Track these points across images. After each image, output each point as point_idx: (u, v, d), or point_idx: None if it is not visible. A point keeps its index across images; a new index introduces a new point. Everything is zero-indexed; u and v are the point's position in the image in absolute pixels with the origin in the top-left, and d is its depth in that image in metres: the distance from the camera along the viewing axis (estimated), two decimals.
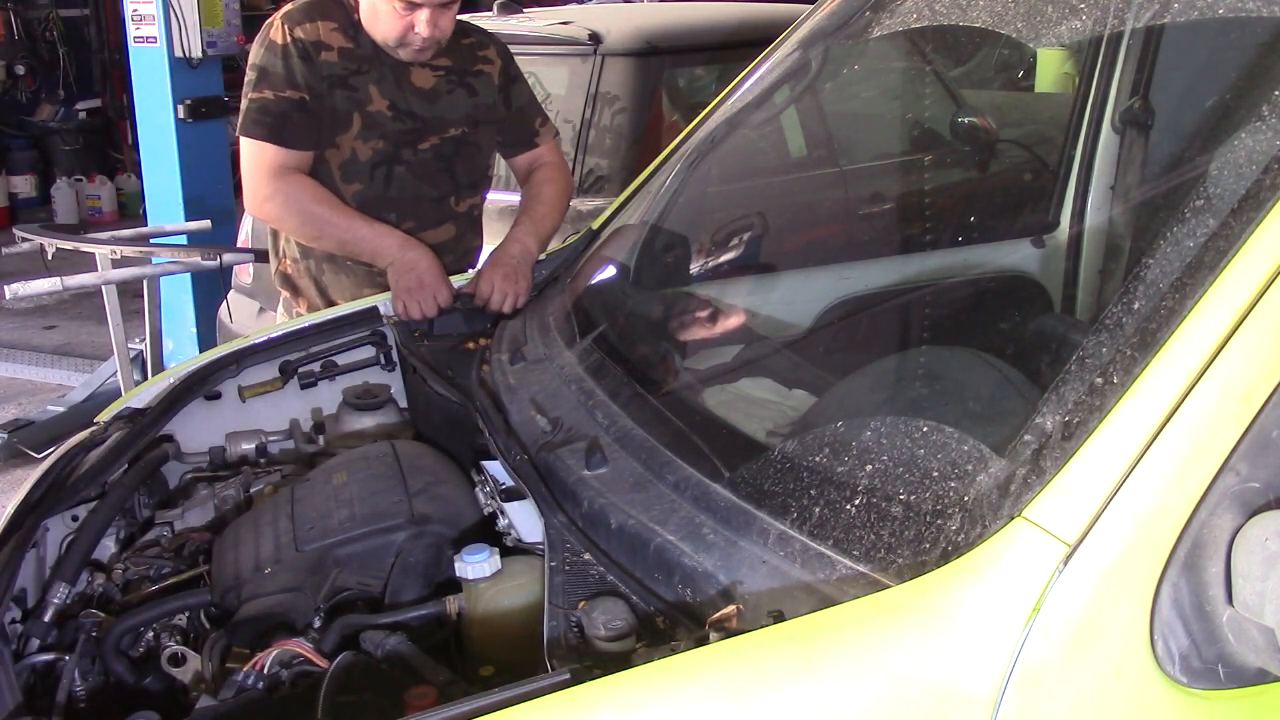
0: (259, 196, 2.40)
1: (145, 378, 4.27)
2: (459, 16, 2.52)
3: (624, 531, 1.41)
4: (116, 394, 3.82)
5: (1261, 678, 1.09)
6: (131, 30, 5.08)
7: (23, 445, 4.56)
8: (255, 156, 2.38)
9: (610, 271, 2.24)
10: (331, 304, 2.53)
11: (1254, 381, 1.07)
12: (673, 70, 3.97)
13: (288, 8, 2.44)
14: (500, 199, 3.72)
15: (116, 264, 4.13)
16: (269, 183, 2.37)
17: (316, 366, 2.28)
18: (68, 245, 4.21)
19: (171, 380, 2.15)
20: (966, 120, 3.10)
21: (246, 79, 2.42)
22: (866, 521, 1.23)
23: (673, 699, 1.08)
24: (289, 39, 2.36)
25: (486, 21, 4.40)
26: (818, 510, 1.28)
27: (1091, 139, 2.54)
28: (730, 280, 2.36)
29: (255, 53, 2.42)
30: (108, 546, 1.86)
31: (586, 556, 1.43)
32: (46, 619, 1.60)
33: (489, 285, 2.32)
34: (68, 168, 9.03)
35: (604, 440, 1.59)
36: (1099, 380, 1.13)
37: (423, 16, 2.35)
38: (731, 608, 1.23)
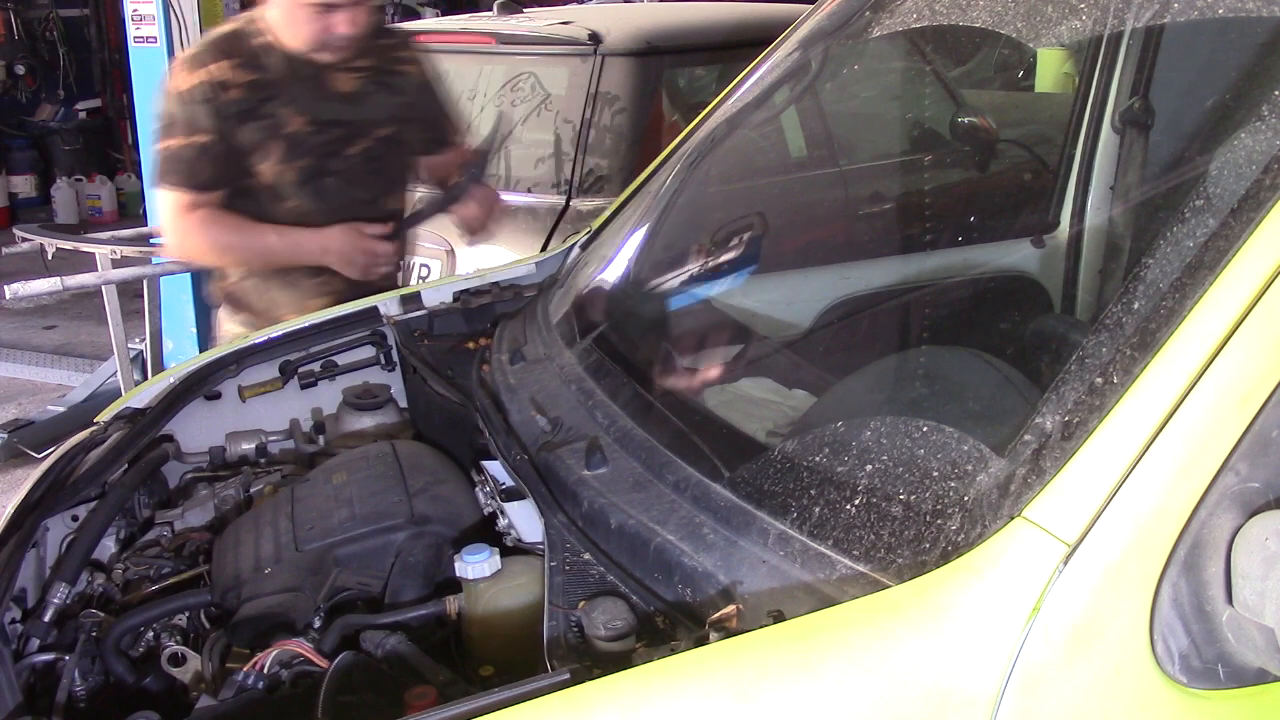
0: (177, 239, 2.48)
1: (145, 378, 4.27)
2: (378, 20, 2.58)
3: (624, 531, 1.41)
4: (116, 394, 3.82)
5: (1261, 678, 1.09)
6: (131, 30, 5.08)
7: (23, 445, 4.56)
8: (169, 203, 2.44)
9: (610, 271, 2.24)
10: (274, 320, 2.54)
11: (1254, 381, 1.07)
12: (673, 70, 3.97)
13: (186, 53, 2.48)
14: (502, 199, 3.73)
15: (116, 264, 4.13)
16: (183, 224, 2.44)
17: (316, 366, 2.28)
18: (68, 245, 4.21)
19: (171, 380, 2.15)
20: (966, 120, 3.10)
21: (155, 128, 2.46)
22: (866, 521, 1.23)
23: (673, 699, 1.08)
24: (189, 84, 2.39)
25: (486, 21, 4.42)
26: (818, 510, 1.28)
27: (1091, 139, 2.54)
28: (731, 280, 2.36)
29: (161, 100, 2.45)
30: (108, 546, 1.85)
31: (586, 556, 1.43)
32: (46, 619, 1.60)
33: (470, 204, 2.50)
34: (68, 168, 9.03)
35: (604, 440, 1.59)
36: (1099, 380, 1.13)
37: (343, 17, 2.36)
38: (731, 607, 1.23)
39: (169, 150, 2.40)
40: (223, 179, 2.42)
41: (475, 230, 2.68)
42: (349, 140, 2.51)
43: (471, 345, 2.20)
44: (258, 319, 2.59)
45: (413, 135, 2.65)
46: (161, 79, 2.47)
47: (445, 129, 2.73)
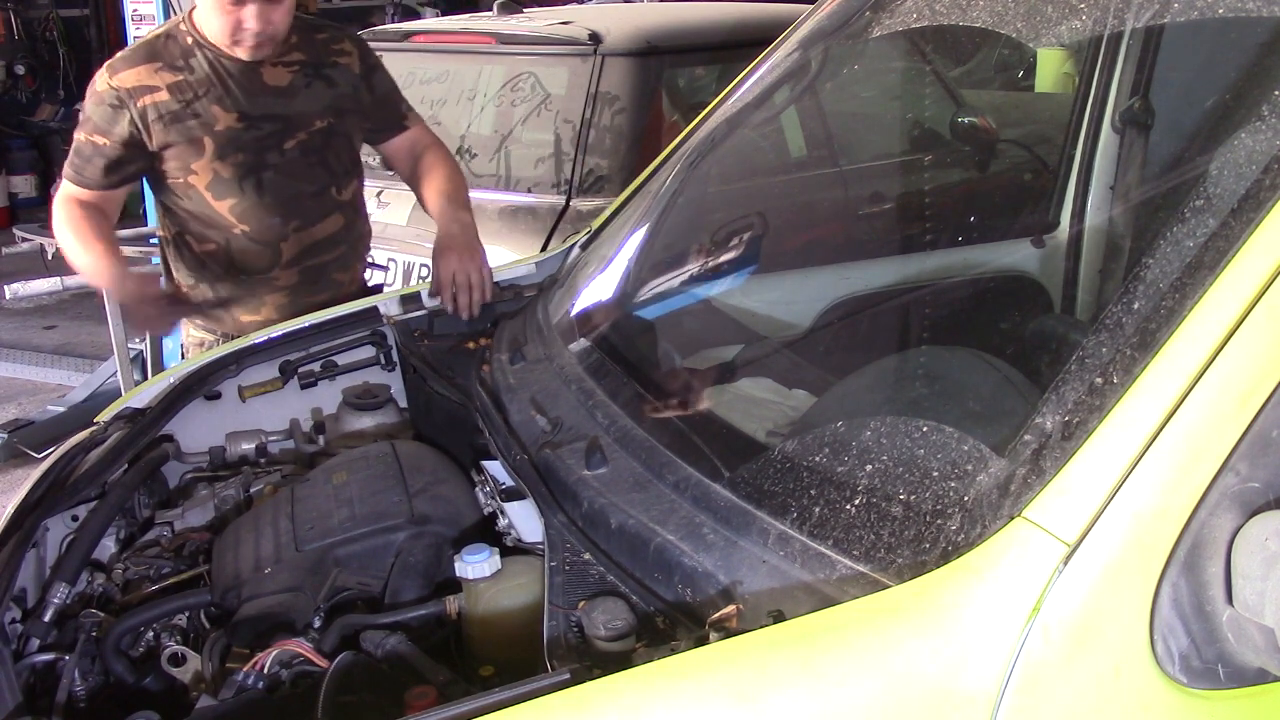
0: (54, 221, 2.53)
1: (145, 378, 4.27)
2: (315, 18, 2.61)
3: (624, 531, 1.41)
4: (116, 394, 3.82)
5: (1261, 678, 1.09)
6: (131, 30, 5.08)
7: (23, 445, 4.56)
8: (60, 190, 2.53)
9: (610, 272, 2.24)
10: (238, 323, 2.57)
11: (1254, 381, 1.07)
12: (673, 70, 3.97)
13: (114, 57, 2.52)
14: (502, 199, 3.73)
15: None
16: (57, 212, 2.50)
17: (316, 366, 2.28)
18: None
19: (171, 380, 2.15)
20: (966, 120, 3.10)
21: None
22: (866, 521, 1.23)
23: (673, 699, 1.08)
24: (105, 86, 2.44)
25: (486, 21, 4.41)
26: (818, 510, 1.28)
27: (1091, 139, 2.54)
28: (731, 280, 2.36)
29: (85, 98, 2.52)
30: (108, 546, 1.85)
31: (586, 556, 1.43)
32: (46, 619, 1.60)
33: (448, 269, 2.34)
34: None
35: (604, 440, 1.59)
36: (1099, 380, 1.13)
37: (250, 11, 2.37)
38: (731, 607, 1.23)
39: (76, 142, 2.48)
40: (105, 181, 2.48)
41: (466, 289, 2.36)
42: (284, 135, 2.52)
43: (471, 345, 2.20)
44: (216, 324, 2.62)
45: (353, 126, 2.65)
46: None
47: (389, 116, 2.72)
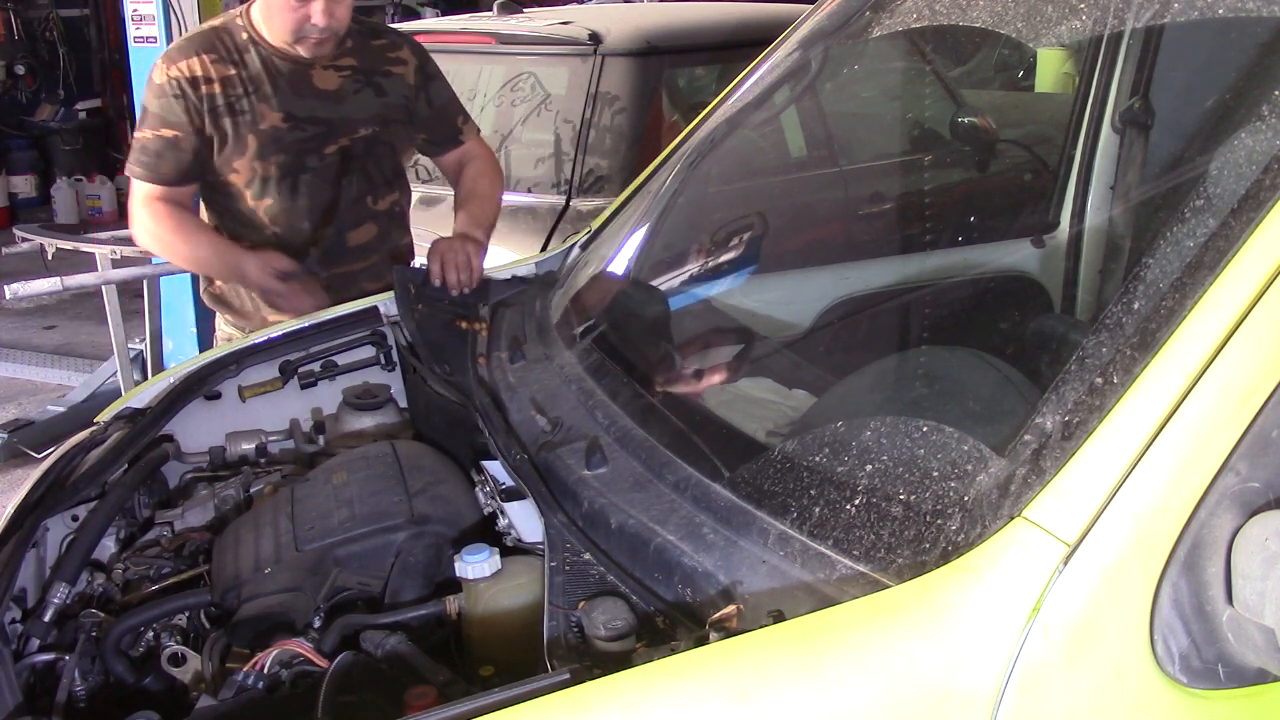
0: (136, 227, 2.53)
1: (145, 378, 4.27)
2: (375, 22, 2.60)
3: (624, 531, 1.41)
4: (116, 394, 3.83)
5: (1261, 678, 1.09)
6: (131, 30, 5.08)
7: (23, 445, 4.56)
8: (134, 192, 2.50)
9: (610, 271, 2.24)
10: (262, 320, 2.56)
11: (1254, 381, 1.07)
12: (673, 70, 3.97)
13: (169, 47, 2.51)
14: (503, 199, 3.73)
15: (116, 264, 4.13)
16: (141, 215, 2.48)
17: (316, 366, 2.28)
18: (68, 245, 4.22)
19: (171, 380, 2.15)
20: (966, 120, 3.10)
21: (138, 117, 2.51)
22: (866, 521, 1.23)
23: (673, 699, 1.08)
24: (165, 78, 2.42)
25: (486, 21, 4.42)
26: (818, 510, 1.28)
27: (1091, 139, 2.54)
28: (731, 280, 2.36)
29: (144, 91, 2.50)
30: (108, 546, 1.85)
31: (586, 556, 1.43)
32: (46, 619, 1.60)
33: (440, 246, 2.35)
34: (68, 168, 9.01)
35: (604, 440, 1.59)
36: (1099, 380, 1.13)
37: (318, 7, 2.37)
38: (732, 608, 1.23)
39: (141, 140, 2.45)
40: (187, 175, 2.46)
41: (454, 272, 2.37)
42: (326, 139, 2.51)
43: (464, 325, 2.19)
44: (246, 320, 2.61)
45: (399, 136, 2.64)
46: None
47: (445, 130, 2.71)
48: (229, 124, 2.43)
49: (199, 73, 2.42)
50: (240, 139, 2.45)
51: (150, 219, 2.46)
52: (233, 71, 2.44)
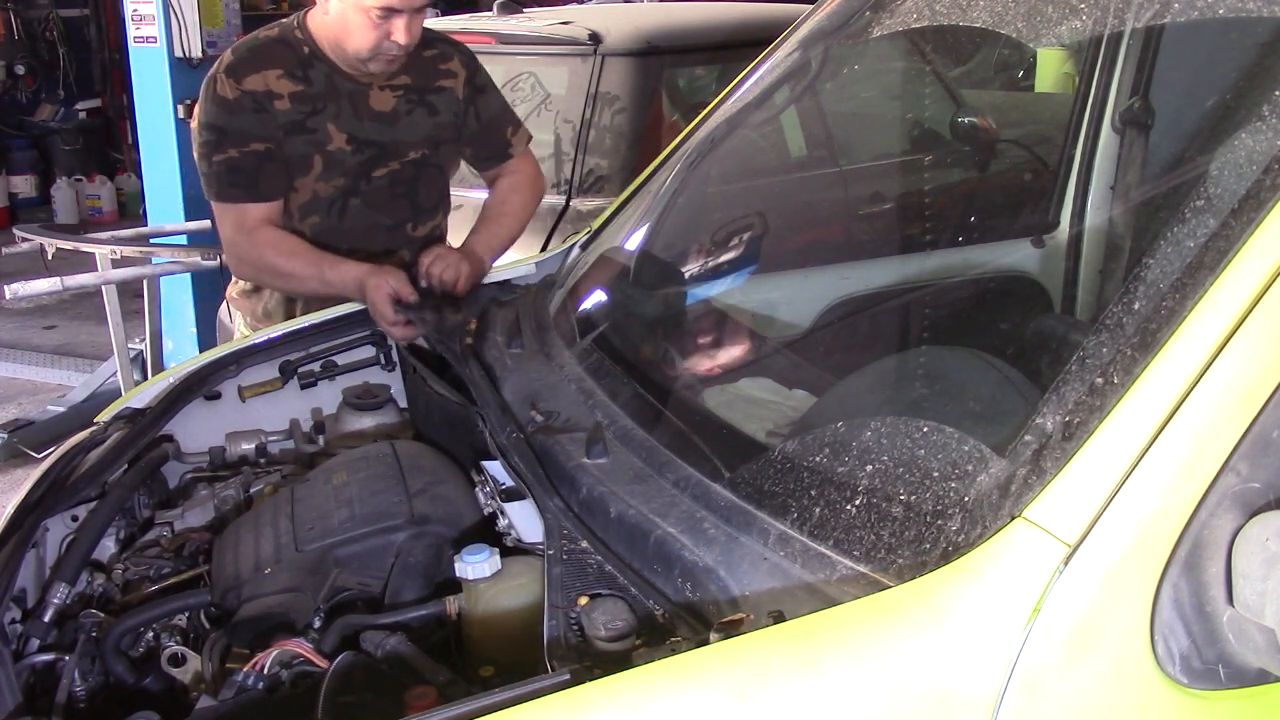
0: (235, 258, 2.41)
1: (145, 378, 4.27)
2: (426, 30, 2.43)
3: (623, 521, 1.41)
4: (116, 394, 3.82)
5: (1262, 678, 1.09)
6: (131, 30, 5.08)
7: (23, 445, 4.56)
8: (231, 218, 2.35)
9: (610, 271, 2.24)
10: (291, 313, 2.49)
11: (1254, 382, 1.07)
12: (673, 70, 3.96)
13: (228, 60, 2.34)
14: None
15: (116, 264, 4.13)
16: (247, 243, 2.35)
17: (316, 366, 2.28)
18: (68, 245, 4.21)
19: (171, 380, 2.15)
20: (966, 120, 3.10)
21: (202, 140, 2.33)
22: (867, 522, 1.23)
23: (673, 699, 1.08)
24: (239, 93, 2.29)
25: (486, 21, 4.41)
26: (818, 510, 1.28)
27: (1091, 139, 2.54)
28: (731, 280, 2.36)
29: (207, 111, 2.33)
30: (108, 546, 1.85)
31: (584, 545, 1.42)
32: (46, 619, 1.60)
33: (435, 250, 2.29)
34: (68, 168, 9.02)
35: (604, 437, 1.59)
36: (1099, 380, 1.13)
37: (400, 24, 2.25)
38: (740, 615, 1.22)
39: (226, 163, 2.30)
40: (282, 186, 2.35)
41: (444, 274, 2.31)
42: (376, 162, 2.42)
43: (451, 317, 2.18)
44: (270, 322, 2.55)
45: (448, 157, 2.56)
46: (203, 90, 2.34)
47: (494, 144, 2.61)
48: (299, 142, 2.33)
49: (271, 88, 2.30)
50: (306, 158, 2.35)
51: (261, 244, 2.31)
52: (300, 88, 2.33)
